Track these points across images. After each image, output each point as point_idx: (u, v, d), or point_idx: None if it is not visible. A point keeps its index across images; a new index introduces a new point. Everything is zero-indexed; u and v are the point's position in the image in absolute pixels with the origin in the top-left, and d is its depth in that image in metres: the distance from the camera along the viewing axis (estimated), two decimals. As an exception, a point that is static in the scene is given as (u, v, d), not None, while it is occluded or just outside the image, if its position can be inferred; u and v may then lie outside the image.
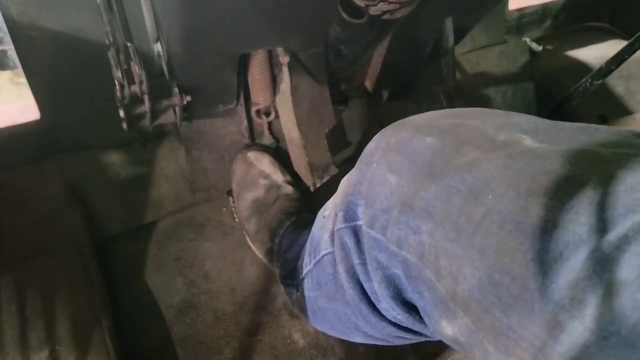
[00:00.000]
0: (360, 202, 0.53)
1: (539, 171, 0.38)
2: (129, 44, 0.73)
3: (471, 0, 0.93)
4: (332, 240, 0.60)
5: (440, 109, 1.07)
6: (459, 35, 1.03)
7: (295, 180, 0.97)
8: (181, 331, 0.89)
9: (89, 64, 0.87)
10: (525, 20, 1.33)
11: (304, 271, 0.71)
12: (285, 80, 0.84)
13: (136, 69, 0.73)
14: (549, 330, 0.33)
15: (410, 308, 0.50)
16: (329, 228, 0.61)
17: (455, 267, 0.40)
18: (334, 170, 0.93)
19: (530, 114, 1.25)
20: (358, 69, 0.98)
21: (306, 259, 0.70)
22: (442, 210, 0.42)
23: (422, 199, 0.44)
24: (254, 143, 1.03)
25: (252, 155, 0.98)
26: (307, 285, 0.72)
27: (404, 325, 0.53)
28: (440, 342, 0.49)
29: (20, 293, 0.81)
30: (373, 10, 0.67)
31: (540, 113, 1.20)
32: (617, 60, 0.94)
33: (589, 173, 0.36)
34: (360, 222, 0.53)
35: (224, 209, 1.03)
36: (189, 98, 0.82)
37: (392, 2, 0.64)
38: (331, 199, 0.65)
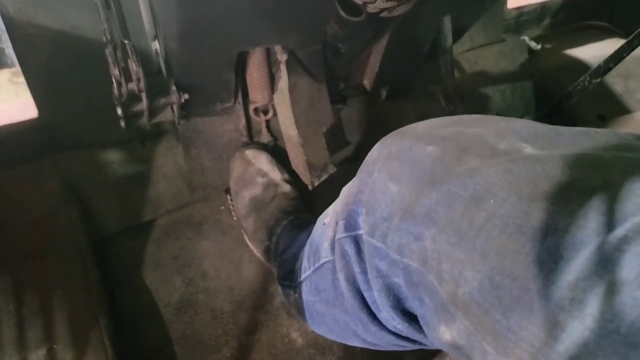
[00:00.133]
0: (361, 210, 0.53)
1: (541, 176, 0.38)
2: (126, 42, 0.73)
3: (469, -1, 0.93)
4: (333, 248, 0.60)
5: (439, 107, 1.08)
6: (458, 33, 1.03)
7: (294, 178, 0.97)
8: (179, 330, 0.89)
9: (87, 61, 0.87)
10: (524, 18, 1.32)
11: (303, 275, 0.71)
12: (283, 78, 0.84)
13: (133, 67, 0.73)
14: (548, 330, 0.34)
15: (410, 318, 0.50)
16: (329, 236, 0.61)
17: (457, 271, 0.41)
18: (332, 169, 0.92)
19: (529, 112, 1.26)
20: (356, 67, 0.98)
21: (305, 263, 0.70)
22: (444, 216, 0.43)
23: (423, 206, 0.45)
24: (251, 141, 1.02)
25: (250, 153, 0.97)
26: (305, 289, 0.72)
27: (403, 335, 0.54)
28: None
29: (17, 291, 0.80)
30: (371, 8, 0.66)
31: (539, 112, 1.20)
32: (616, 58, 0.94)
33: (589, 177, 0.37)
34: (361, 232, 0.53)
35: (222, 208, 1.02)
36: (186, 96, 0.81)
37: (390, 0, 0.64)
38: (331, 205, 0.66)
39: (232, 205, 0.99)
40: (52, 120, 0.94)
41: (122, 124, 0.80)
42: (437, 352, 0.86)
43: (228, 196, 1.01)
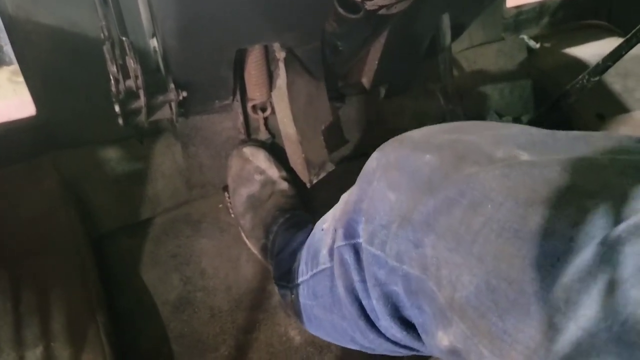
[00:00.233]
0: (361, 219, 0.54)
1: (538, 181, 0.39)
2: (124, 38, 0.73)
3: (468, -3, 0.93)
4: (331, 255, 0.61)
5: (438, 106, 1.08)
6: (456, 32, 1.03)
7: (291, 176, 0.97)
8: (177, 328, 0.89)
9: (86, 59, 0.87)
10: (523, 17, 1.32)
11: (300, 278, 0.72)
12: (282, 75, 0.84)
13: (131, 64, 0.73)
14: (544, 332, 0.34)
15: (408, 326, 0.51)
16: (328, 243, 0.62)
17: (454, 276, 0.41)
18: (330, 167, 0.92)
19: (527, 111, 1.25)
20: (355, 65, 0.98)
21: (303, 267, 0.71)
22: (443, 223, 0.43)
23: (421, 213, 0.45)
24: (249, 138, 1.02)
25: (247, 150, 0.97)
26: (302, 292, 0.72)
27: (402, 343, 0.54)
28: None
29: (15, 289, 0.80)
30: (369, 5, 0.66)
31: (538, 110, 1.20)
32: (615, 56, 0.93)
33: (586, 181, 0.38)
34: (360, 240, 0.54)
35: (220, 206, 1.02)
36: (185, 94, 0.81)
37: (388, -3, 0.64)
38: (330, 211, 0.66)
39: (230, 203, 0.99)
40: (51, 118, 0.94)
41: (120, 121, 0.79)
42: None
43: (226, 193, 1.01)
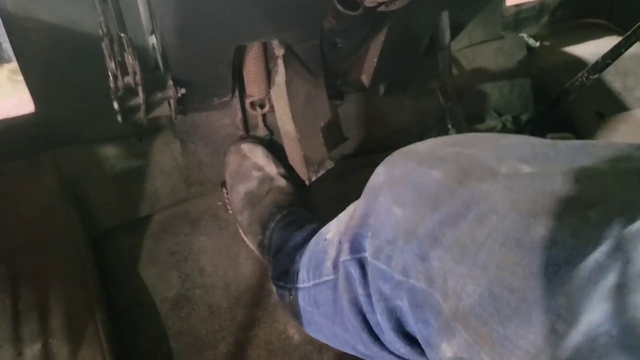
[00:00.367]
0: (367, 233, 0.55)
1: (539, 192, 0.41)
2: (122, 35, 0.73)
3: (468, -5, 0.93)
4: (335, 268, 0.61)
5: (437, 104, 1.07)
6: (456, 30, 1.03)
7: (289, 173, 0.97)
8: (176, 325, 0.89)
9: (85, 56, 0.87)
10: (523, 16, 1.32)
11: (301, 284, 0.72)
12: (280, 72, 0.84)
13: (130, 60, 0.73)
14: (545, 337, 0.35)
15: (412, 341, 0.52)
16: (332, 255, 0.62)
17: (459, 286, 0.42)
18: (329, 165, 0.92)
19: (527, 109, 1.25)
20: (354, 63, 0.98)
21: (304, 273, 0.71)
22: (449, 236, 0.44)
23: (427, 227, 0.46)
24: (248, 135, 1.02)
25: (245, 147, 0.97)
26: (302, 296, 0.72)
27: (405, 357, 0.55)
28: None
29: (14, 286, 0.80)
30: (368, 2, 0.66)
31: (537, 109, 1.20)
32: (614, 54, 0.93)
33: (587, 191, 0.39)
34: (365, 254, 0.55)
35: (219, 203, 1.02)
36: (183, 91, 0.81)
37: (387, -6, 0.64)
38: (334, 221, 0.67)
39: (228, 199, 0.99)
40: (50, 116, 0.94)
41: (119, 118, 0.79)
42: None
43: (224, 190, 1.01)
